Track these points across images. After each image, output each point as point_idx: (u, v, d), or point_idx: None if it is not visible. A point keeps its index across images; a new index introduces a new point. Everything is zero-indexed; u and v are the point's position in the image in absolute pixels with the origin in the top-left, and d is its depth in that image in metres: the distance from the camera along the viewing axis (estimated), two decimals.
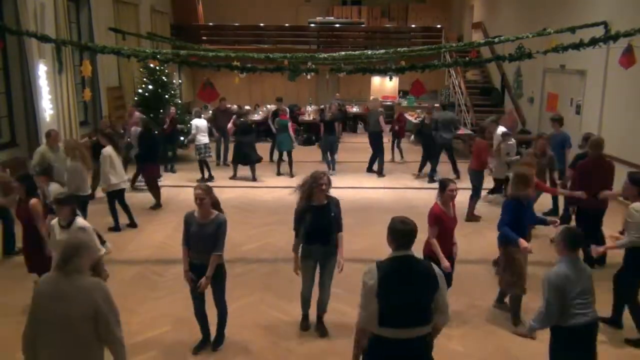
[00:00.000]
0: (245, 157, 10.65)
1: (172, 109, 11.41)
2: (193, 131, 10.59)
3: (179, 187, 10.24)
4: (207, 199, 4.41)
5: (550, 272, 3.69)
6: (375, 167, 11.51)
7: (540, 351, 4.70)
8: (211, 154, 10.99)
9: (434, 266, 3.28)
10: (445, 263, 4.76)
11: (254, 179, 10.71)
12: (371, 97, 13.98)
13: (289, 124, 11.24)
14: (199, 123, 10.65)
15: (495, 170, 8.85)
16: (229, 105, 12.86)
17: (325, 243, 4.80)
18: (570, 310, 3.62)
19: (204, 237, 4.43)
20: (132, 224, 7.97)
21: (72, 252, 3.05)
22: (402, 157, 12.64)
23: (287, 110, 11.96)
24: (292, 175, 11.04)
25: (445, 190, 4.89)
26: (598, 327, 3.79)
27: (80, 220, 4.68)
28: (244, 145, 10.59)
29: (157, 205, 8.96)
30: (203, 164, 10.67)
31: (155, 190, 9.01)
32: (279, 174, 11.28)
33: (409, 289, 3.09)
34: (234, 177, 10.86)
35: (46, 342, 3.00)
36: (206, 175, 10.71)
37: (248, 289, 5.95)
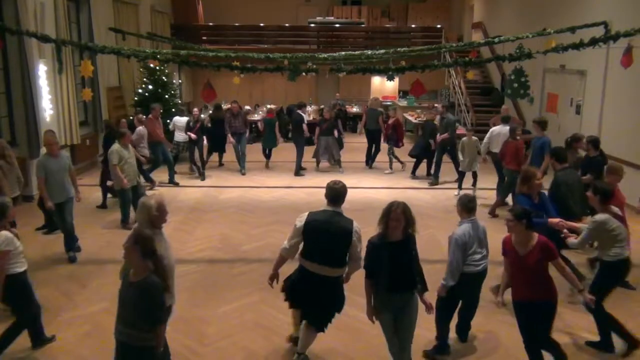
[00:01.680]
0: (219, 147, 11.54)
1: (196, 110, 11.29)
2: (171, 127, 10.73)
3: (179, 187, 10.26)
4: (132, 249, 3.39)
5: (455, 232, 4.42)
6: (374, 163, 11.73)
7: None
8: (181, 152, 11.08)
9: (355, 224, 4.09)
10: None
11: (220, 164, 11.94)
12: (372, 97, 13.88)
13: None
14: (177, 120, 10.82)
15: (462, 164, 9.46)
16: (243, 106, 12.67)
17: (404, 290, 3.97)
18: (468, 261, 4.39)
19: (127, 301, 3.45)
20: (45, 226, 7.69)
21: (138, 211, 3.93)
22: (401, 162, 11.65)
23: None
24: (267, 166, 11.87)
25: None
26: (484, 276, 4.59)
27: None
28: (217, 137, 11.32)
29: (103, 206, 8.83)
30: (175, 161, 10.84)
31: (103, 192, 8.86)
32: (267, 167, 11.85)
33: (326, 237, 3.97)
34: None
35: None
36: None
37: (248, 289, 5.96)
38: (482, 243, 4.51)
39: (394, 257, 3.86)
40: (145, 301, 3.37)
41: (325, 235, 3.98)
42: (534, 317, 4.08)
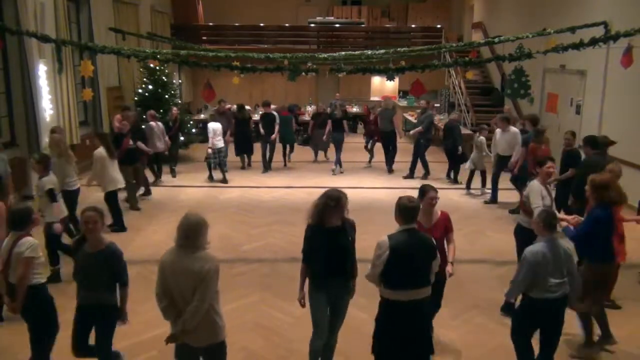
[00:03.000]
0: (247, 149, 11.88)
1: (175, 110, 11.30)
2: (210, 135, 10.36)
3: (179, 187, 10.27)
4: (100, 223, 3.92)
5: (528, 249, 4.05)
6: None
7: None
8: (225, 159, 10.87)
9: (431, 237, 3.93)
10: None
11: (248, 164, 12.16)
12: (385, 97, 13.80)
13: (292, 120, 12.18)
14: (215, 126, 10.47)
15: (476, 162, 9.68)
16: (229, 106, 12.66)
17: (341, 274, 4.08)
18: (541, 286, 3.96)
19: (94, 269, 3.89)
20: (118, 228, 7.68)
21: (192, 230, 3.49)
22: (372, 158, 12.32)
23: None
24: (286, 165, 12.20)
25: (425, 197, 4.47)
26: (564, 304, 4.08)
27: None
28: (243, 138, 11.68)
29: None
30: (216, 167, 10.65)
31: None
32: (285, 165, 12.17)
33: (418, 258, 3.70)
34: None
35: (175, 305, 3.53)
36: (217, 177, 10.73)
37: (248, 289, 5.96)
38: (561, 266, 3.99)
39: (332, 243, 3.99)
40: (114, 260, 3.90)
41: (417, 257, 3.71)
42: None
